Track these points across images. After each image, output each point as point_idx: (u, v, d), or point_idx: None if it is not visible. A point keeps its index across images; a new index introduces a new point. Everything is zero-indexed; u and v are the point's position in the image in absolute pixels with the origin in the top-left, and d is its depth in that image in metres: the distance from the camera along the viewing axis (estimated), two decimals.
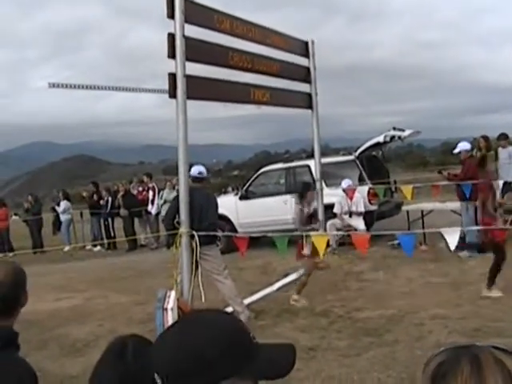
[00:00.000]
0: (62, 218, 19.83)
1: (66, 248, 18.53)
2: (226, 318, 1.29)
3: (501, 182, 11.25)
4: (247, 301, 8.28)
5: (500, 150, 13.39)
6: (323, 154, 13.70)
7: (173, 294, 6.69)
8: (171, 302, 6.63)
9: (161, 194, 17.44)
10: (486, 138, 13.94)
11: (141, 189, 18.70)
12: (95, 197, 19.13)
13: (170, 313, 6.58)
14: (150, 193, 17.83)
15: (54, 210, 20.98)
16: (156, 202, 17.50)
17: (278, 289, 9.26)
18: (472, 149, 12.07)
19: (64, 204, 19.90)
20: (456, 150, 10.89)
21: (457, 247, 10.42)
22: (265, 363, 1.19)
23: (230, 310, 7.78)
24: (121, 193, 18.34)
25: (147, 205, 17.80)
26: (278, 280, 9.78)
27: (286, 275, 10.00)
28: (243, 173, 65.94)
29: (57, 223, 20.69)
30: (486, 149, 13.41)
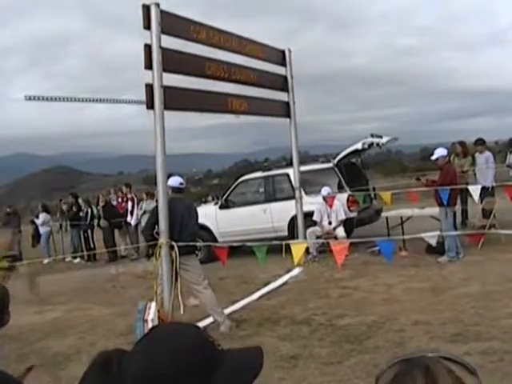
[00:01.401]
0: (41, 230, 19.66)
1: (46, 260, 18.37)
2: (190, 329, 1.29)
3: (479, 187, 11.38)
4: (228, 310, 8.28)
5: (477, 155, 13.53)
6: (302, 161, 13.75)
7: (153, 305, 6.69)
8: (151, 314, 6.62)
9: (140, 204, 17.37)
10: (462, 143, 14.08)
11: (120, 200, 18.61)
12: (74, 208, 19.01)
13: (150, 324, 6.57)
14: (130, 203, 17.74)
15: (32, 222, 20.78)
16: (135, 212, 17.42)
17: (259, 298, 9.27)
18: (449, 154, 12.18)
19: (43, 216, 19.74)
20: (433, 157, 10.95)
21: (436, 252, 10.56)
22: (231, 370, 1.20)
23: (210, 320, 7.78)
24: (101, 204, 18.26)
25: (126, 215, 17.71)
26: (258, 289, 9.79)
27: (266, 284, 10.01)
28: (223, 181, 65.82)
29: (36, 236, 20.47)
30: (463, 154, 13.54)
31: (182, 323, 1.41)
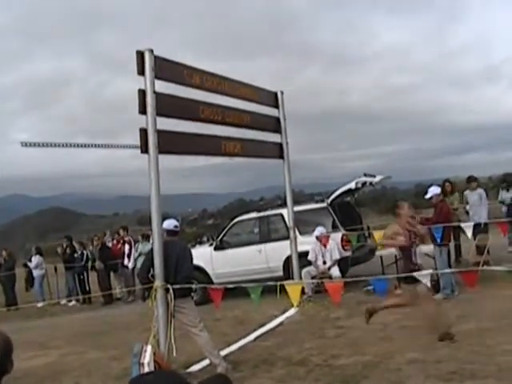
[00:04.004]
0: (35, 273, 19.55)
1: (40, 304, 18.28)
2: (169, 374, 1.34)
3: (471, 224, 11.45)
4: (224, 352, 8.26)
5: (468, 192, 13.66)
6: (297, 200, 13.82)
7: (149, 348, 6.66)
8: (147, 357, 6.59)
9: (136, 246, 17.35)
10: (448, 181, 14.27)
11: (115, 242, 18.61)
12: (68, 250, 18.97)
13: (146, 367, 6.53)
14: (127, 246, 17.70)
15: (25, 265, 20.64)
16: (133, 255, 17.35)
17: (255, 339, 9.26)
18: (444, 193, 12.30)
19: (36, 259, 19.66)
20: (428, 196, 11.03)
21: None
22: None
23: (207, 362, 7.77)
24: (95, 244, 18.30)
25: (123, 258, 17.66)
26: (254, 330, 9.77)
27: (262, 325, 10.00)
28: (218, 222, 65.67)
29: (29, 279, 20.33)
30: (451, 192, 13.68)
31: (161, 371, 1.50)
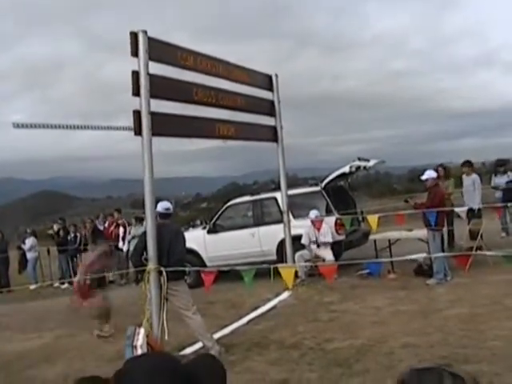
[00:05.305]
0: (29, 255, 19.50)
1: (33, 286, 18.24)
2: (161, 359, 1.33)
3: (465, 209, 11.46)
4: (217, 335, 8.26)
5: (464, 177, 13.66)
6: (291, 184, 13.78)
7: (142, 330, 6.65)
8: (140, 339, 6.58)
9: (129, 229, 17.30)
10: (443, 166, 14.26)
11: (107, 224, 18.55)
12: (62, 233, 18.90)
13: (139, 350, 6.53)
14: (121, 229, 17.64)
15: (19, 248, 20.56)
16: (127, 238, 17.28)
17: (248, 322, 9.26)
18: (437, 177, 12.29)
19: (30, 241, 19.60)
20: (424, 177, 10.99)
21: (424, 274, 10.61)
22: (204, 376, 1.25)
23: (200, 345, 7.77)
24: (88, 227, 18.23)
25: (116, 241, 17.59)
26: (247, 313, 9.77)
27: (255, 308, 10.00)
28: (212, 205, 65.59)
29: (23, 261, 20.26)
30: (445, 177, 13.68)
31: (154, 353, 1.49)
